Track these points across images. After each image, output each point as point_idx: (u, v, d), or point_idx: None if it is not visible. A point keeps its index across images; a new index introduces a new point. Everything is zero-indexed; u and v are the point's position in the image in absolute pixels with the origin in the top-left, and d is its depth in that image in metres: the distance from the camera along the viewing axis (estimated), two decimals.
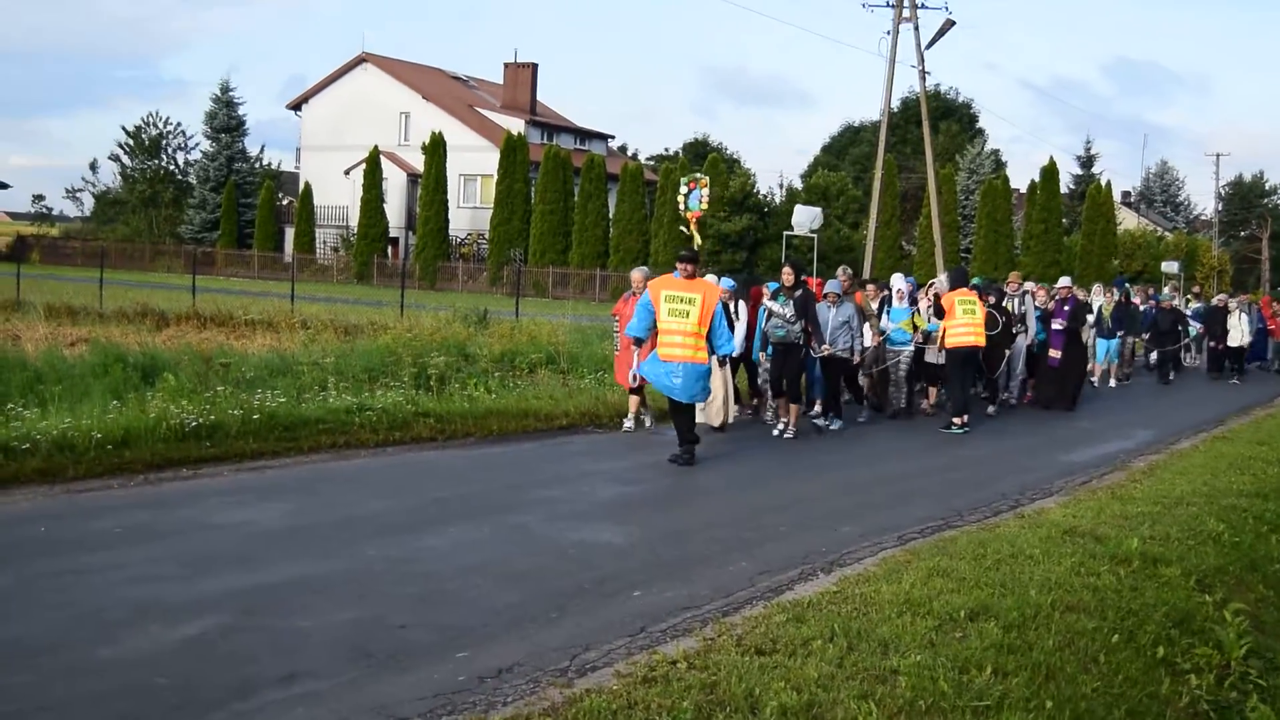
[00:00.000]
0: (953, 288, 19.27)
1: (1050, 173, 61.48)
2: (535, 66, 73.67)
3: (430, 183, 61.46)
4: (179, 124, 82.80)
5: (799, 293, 16.45)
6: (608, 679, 6.56)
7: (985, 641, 7.21)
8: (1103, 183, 66.74)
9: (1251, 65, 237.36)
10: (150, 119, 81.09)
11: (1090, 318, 25.13)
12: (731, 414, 17.04)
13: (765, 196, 60.43)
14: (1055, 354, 22.06)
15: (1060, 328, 22.07)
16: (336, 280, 63.47)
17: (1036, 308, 22.43)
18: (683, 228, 19.64)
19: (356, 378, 17.53)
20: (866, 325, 18.72)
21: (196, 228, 73.98)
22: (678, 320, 13.86)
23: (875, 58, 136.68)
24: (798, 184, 69.36)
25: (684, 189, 18.50)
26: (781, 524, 11.06)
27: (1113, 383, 27.22)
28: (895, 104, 72.18)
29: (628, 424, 16.48)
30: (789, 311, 16.30)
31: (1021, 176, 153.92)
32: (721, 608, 8.17)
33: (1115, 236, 63.42)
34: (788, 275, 16.58)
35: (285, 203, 74.16)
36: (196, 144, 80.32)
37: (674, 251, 54.44)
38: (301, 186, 69.38)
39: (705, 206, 18.09)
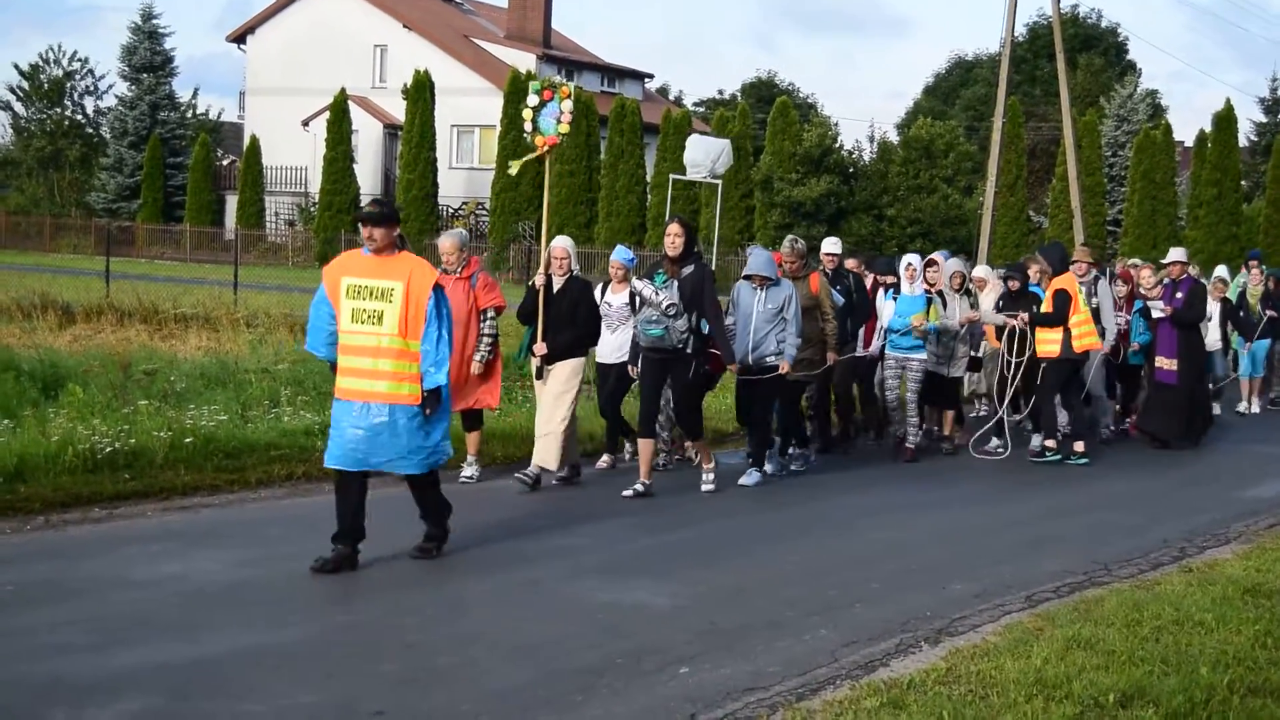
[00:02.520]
0: (1057, 272, 18.11)
1: (1226, 120, 61.02)
2: None
3: (414, 136, 61.50)
4: (87, 61, 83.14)
5: (690, 269, 14.30)
6: None
7: None
8: None
9: None
10: (51, 54, 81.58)
11: (1211, 309, 22.29)
12: (572, 454, 15.03)
13: (851, 153, 60.28)
14: (1167, 364, 19.48)
15: (1161, 319, 19.72)
16: (293, 263, 63.49)
17: (1136, 297, 20.00)
18: (511, 166, 17.35)
19: (319, 390, 17.56)
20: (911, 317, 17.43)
21: (111, 196, 74.29)
22: (364, 329, 10.79)
23: None
24: (893, 136, 69.30)
25: (533, 99, 15.61)
26: (872, 580, 11.06)
27: (1256, 406, 24.32)
28: (1020, 32, 71.94)
29: (466, 471, 14.87)
30: (667, 299, 14.08)
31: (1187, 125, 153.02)
32: (795, 689, 8.17)
33: None
34: (674, 238, 14.37)
35: (226, 163, 74.41)
36: (110, 87, 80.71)
37: (732, 226, 54.43)
38: (246, 142, 69.48)
39: (567, 128, 15.50)
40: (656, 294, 14.06)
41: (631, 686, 8.16)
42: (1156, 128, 62.83)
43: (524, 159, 16.88)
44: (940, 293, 17.81)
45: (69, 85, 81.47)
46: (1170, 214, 59.59)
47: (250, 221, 66.74)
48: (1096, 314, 18.83)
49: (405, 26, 69.85)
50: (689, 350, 14.22)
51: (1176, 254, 20.75)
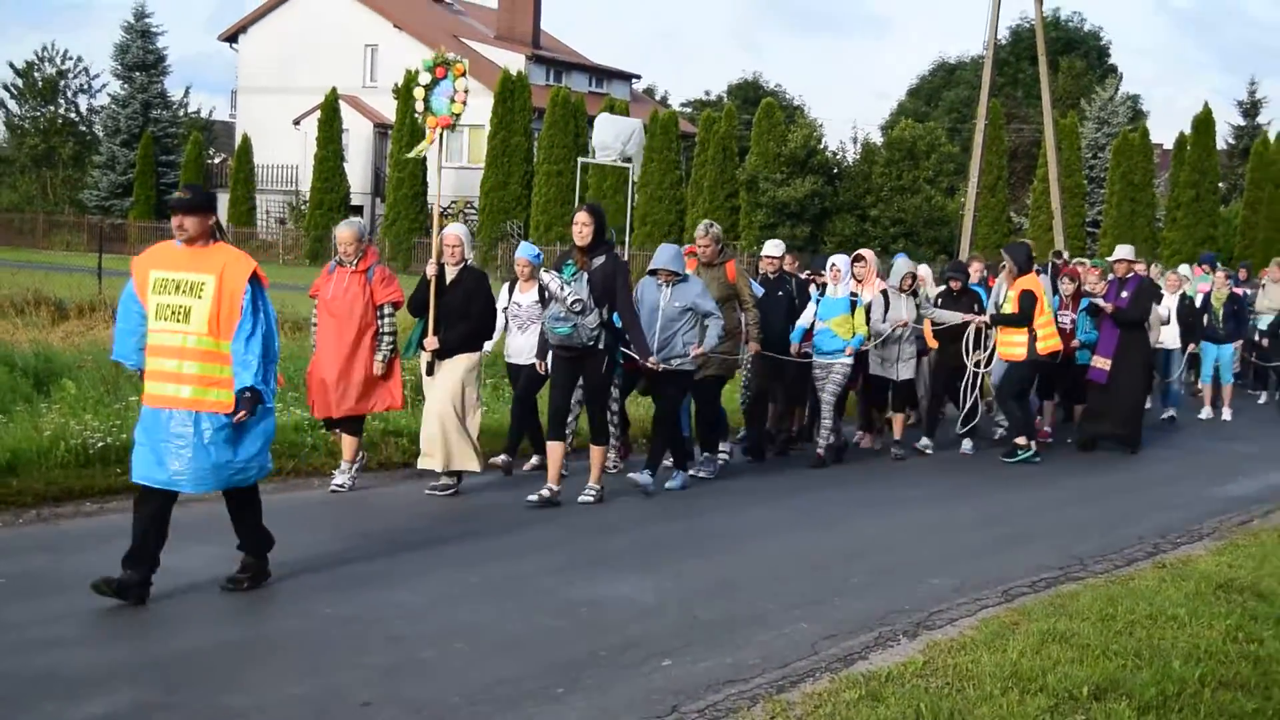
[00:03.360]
0: (1023, 272, 17.69)
1: (1204, 123, 61.08)
2: None
3: (403, 135, 61.32)
4: (80, 60, 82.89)
5: (601, 260, 13.46)
6: None
7: None
8: (1272, 136, 66.37)
9: None
10: (45, 53, 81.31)
11: (1163, 310, 21.51)
12: (471, 459, 13.76)
13: (835, 154, 60.33)
14: (1101, 363, 18.73)
15: (1105, 318, 18.88)
16: (284, 260, 63.42)
17: (1083, 295, 19.39)
18: (413, 151, 15.81)
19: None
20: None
21: (103, 193, 74.11)
22: (169, 327, 9.51)
23: None
24: (877, 137, 69.29)
25: (424, 77, 14.26)
26: (852, 575, 11.10)
27: (1227, 413, 23.22)
28: (1003, 35, 72.05)
29: (339, 479, 13.88)
30: (572, 294, 13.07)
31: (1166, 129, 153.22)
32: (775, 681, 8.19)
33: None
34: (582, 227, 13.48)
35: (217, 161, 74.35)
36: (104, 86, 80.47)
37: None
38: (238, 140, 69.44)
39: (461, 107, 14.32)
40: (562, 289, 13.01)
41: (614, 679, 8.18)
42: (1136, 131, 62.87)
43: (421, 146, 15.33)
44: (884, 293, 17.14)
45: (62, 83, 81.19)
46: (1149, 215, 59.65)
47: (242, 219, 66.67)
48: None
49: (395, 26, 69.76)
50: (601, 346, 13.27)
51: (1123, 251, 19.72)
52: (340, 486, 13.72)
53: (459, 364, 13.68)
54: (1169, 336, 21.78)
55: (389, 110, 63.73)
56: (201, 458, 9.36)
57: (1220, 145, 67.04)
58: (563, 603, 9.88)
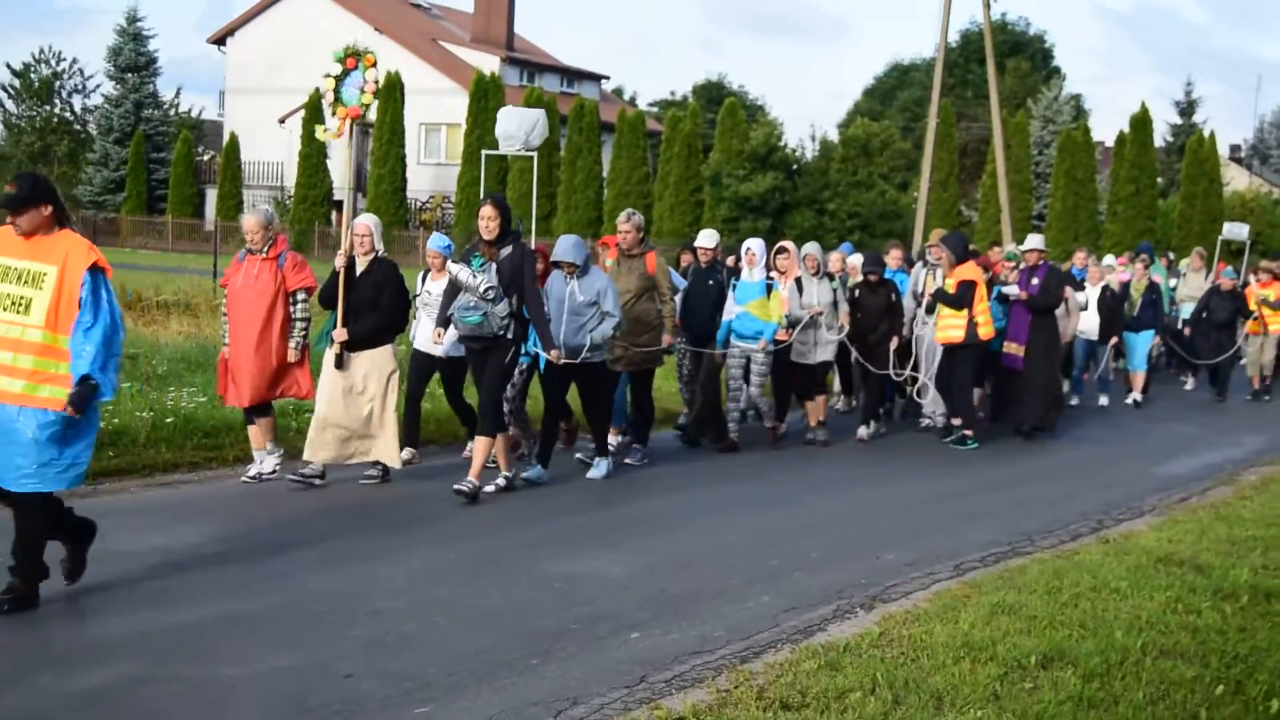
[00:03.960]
0: (960, 260, 17.23)
1: (1142, 122, 61.25)
2: None
3: (384, 134, 61.31)
4: (75, 61, 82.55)
5: (508, 251, 12.77)
6: None
7: (1061, 694, 7.23)
8: (1206, 134, 66.60)
9: None
10: (41, 55, 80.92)
11: (1081, 298, 20.99)
12: (394, 453, 13.16)
13: (794, 151, 60.31)
14: (1014, 349, 18.18)
15: (1016, 305, 18.27)
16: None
17: (995, 284, 18.37)
18: (322, 130, 15.13)
19: None
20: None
21: (97, 189, 73.84)
22: (8, 318, 8.60)
23: None
24: (834, 135, 69.27)
25: (334, 68, 13.66)
26: (812, 550, 11.09)
27: (1138, 397, 22.55)
28: (954, 38, 72.14)
29: (255, 468, 13.15)
30: (485, 281, 12.54)
31: (1108, 126, 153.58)
32: (739, 652, 8.19)
33: (1222, 200, 63.27)
34: (488, 220, 12.70)
35: (206, 158, 74.02)
36: (97, 86, 80.00)
37: (683, 219, 54.44)
38: (226, 138, 69.20)
39: (371, 98, 13.66)
40: (474, 278, 12.46)
41: (586, 650, 8.17)
42: (1079, 129, 63.05)
43: (328, 136, 14.78)
44: (799, 280, 16.45)
45: (58, 84, 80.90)
46: (1091, 209, 59.80)
47: (229, 213, 66.04)
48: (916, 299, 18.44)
49: (376, 30, 69.46)
50: (509, 336, 12.71)
51: (1033, 241, 19.39)
52: (253, 478, 12.93)
53: (372, 359, 13.01)
54: (1089, 325, 21.24)
55: (370, 109, 63.42)
56: (28, 456, 8.42)
57: (1158, 143, 67.36)
58: (535, 578, 9.87)
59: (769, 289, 15.85)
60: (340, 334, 12.85)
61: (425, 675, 7.59)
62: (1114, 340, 21.69)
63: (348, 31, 69.15)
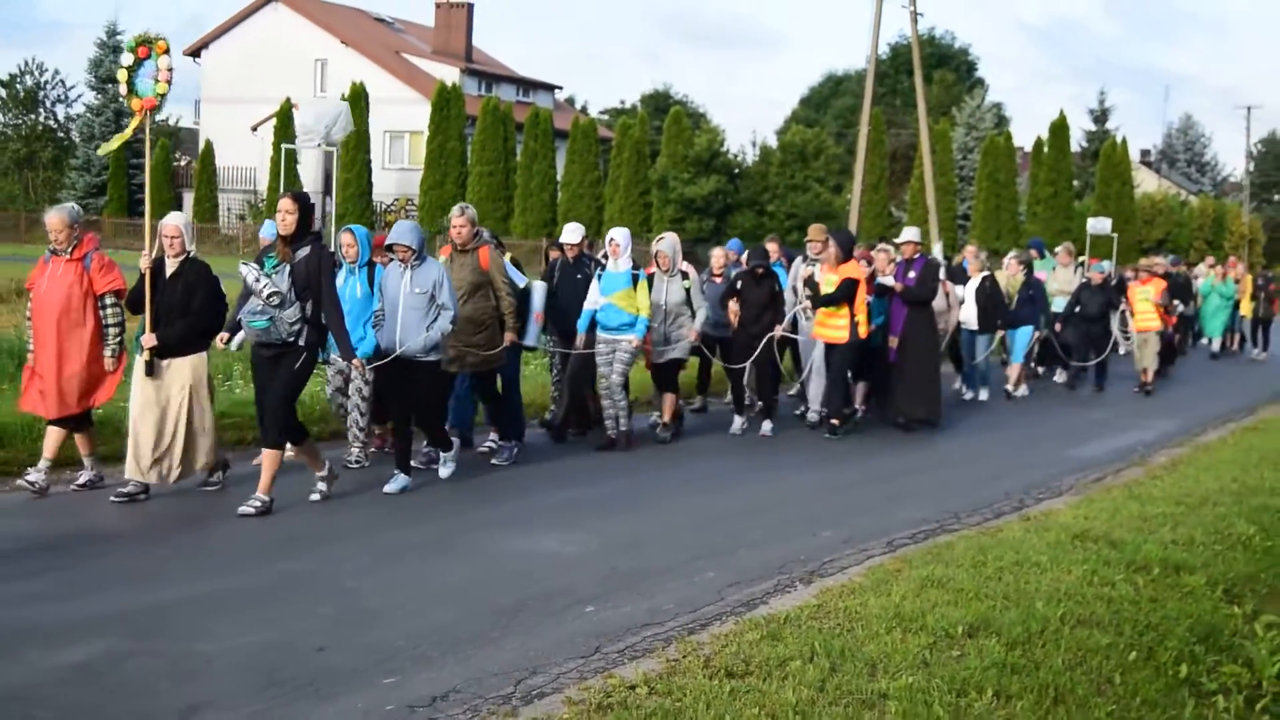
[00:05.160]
0: (847, 257, 16.42)
1: (1059, 129, 61.66)
2: (470, 7, 73.28)
3: (351, 141, 60.91)
4: (58, 72, 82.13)
5: (304, 252, 11.20)
6: (557, 707, 6.57)
7: (986, 661, 7.26)
8: (1118, 140, 67.07)
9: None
10: (25, 66, 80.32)
11: (961, 290, 20.47)
12: (209, 456, 11.76)
13: (736, 156, 60.42)
14: (893, 342, 17.44)
15: (893, 298, 17.47)
16: (243, 252, 62.80)
17: (876, 278, 17.57)
18: (106, 145, 13.26)
19: None
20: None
21: (80, 192, 73.12)
22: None
23: None
24: (772, 141, 69.33)
25: (127, 58, 12.26)
26: (754, 529, 11.09)
27: (1021, 390, 21.75)
28: (884, 50, 72.32)
29: (33, 475, 11.46)
30: (269, 287, 11.00)
31: (1027, 133, 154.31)
32: (687, 624, 8.19)
33: (1133, 201, 63.77)
34: (286, 215, 11.19)
35: (183, 164, 73.61)
36: (79, 96, 79.51)
37: (632, 219, 54.47)
38: (201, 145, 68.84)
39: (166, 86, 12.13)
40: (258, 281, 10.97)
41: (544, 624, 8.16)
42: (1001, 135, 63.43)
43: (119, 138, 13.37)
44: (650, 276, 15.38)
45: (42, 94, 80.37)
46: (1012, 210, 60.19)
47: (205, 216, 66.11)
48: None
49: (343, 43, 69.28)
50: (301, 342, 11.11)
51: (910, 233, 18.29)
52: (35, 484, 11.36)
53: (184, 367, 11.46)
54: (968, 317, 20.53)
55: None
56: None
57: (1074, 148, 67.90)
58: (495, 557, 9.86)
59: (635, 280, 14.84)
60: (149, 339, 11.33)
61: (392, 648, 7.56)
62: (999, 334, 21.15)
63: (315, 45, 69.33)
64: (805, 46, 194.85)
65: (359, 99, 60.58)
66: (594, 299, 14.96)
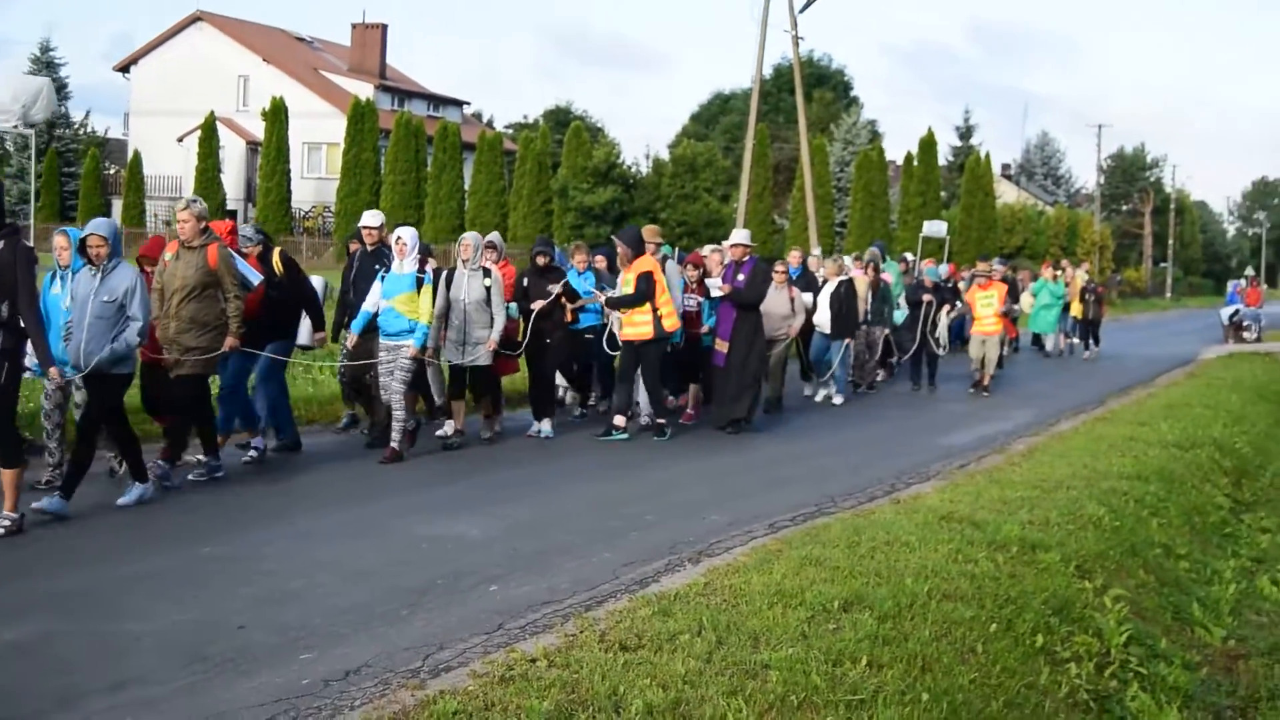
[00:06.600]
0: (637, 254, 15.37)
1: (928, 144, 62.32)
2: (385, 27, 72.90)
3: (271, 151, 60.52)
4: None
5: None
6: (463, 679, 6.54)
7: (859, 633, 7.30)
8: (982, 155, 67.85)
9: (1127, 26, 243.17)
10: None
11: (808, 297, 19.14)
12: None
13: (631, 167, 60.46)
14: (722, 347, 16.17)
15: (721, 301, 16.41)
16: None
17: (707, 280, 16.87)
18: None
19: None
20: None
21: (14, 199, 71.59)
22: None
23: (748, 20, 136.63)
24: (664, 154, 69.45)
25: None
26: (646, 513, 11.10)
27: (837, 398, 20.05)
28: (767, 71, 72.60)
29: None
30: None
31: (899, 148, 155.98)
32: (584, 602, 8.19)
33: (995, 211, 64.59)
34: None
35: (113, 172, 72.65)
36: None
37: (535, 226, 54.40)
38: (130, 155, 67.96)
39: None
40: None
41: (450, 602, 8.12)
42: (874, 150, 63.97)
43: None
44: (451, 271, 14.13)
45: None
46: (884, 219, 60.69)
47: (133, 222, 65.20)
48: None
49: (264, 60, 68.68)
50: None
51: (739, 236, 17.09)
52: None
53: None
54: (822, 322, 19.52)
55: (258, 130, 62.76)
56: None
57: (941, 162, 68.62)
58: (406, 540, 9.81)
59: (419, 283, 13.25)
60: None
61: (309, 626, 7.51)
62: (847, 340, 19.67)
63: (238, 62, 68.64)
64: (693, 67, 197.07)
65: (279, 113, 60.19)
66: (373, 300, 13.42)
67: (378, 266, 13.72)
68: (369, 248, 14.39)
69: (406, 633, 7.44)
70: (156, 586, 8.28)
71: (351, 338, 13.67)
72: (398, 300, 13.17)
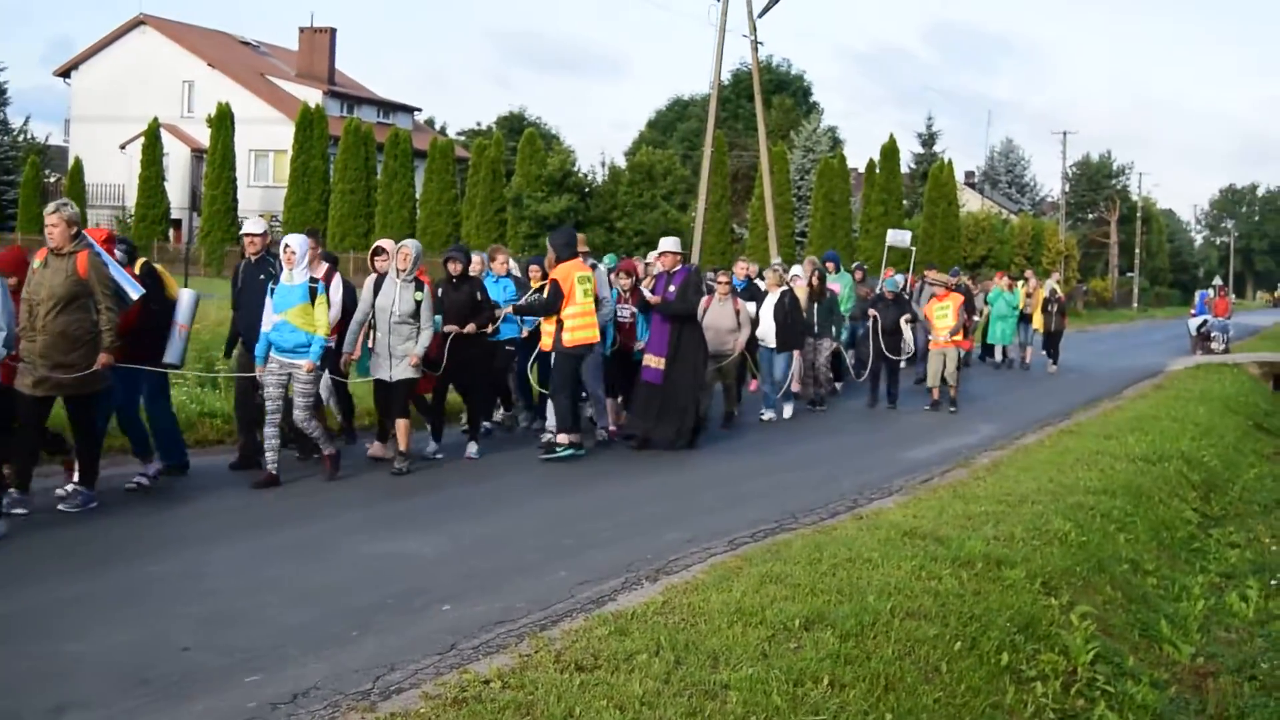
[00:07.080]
0: (564, 257, 14.92)
1: (890, 152, 62.67)
2: (333, 32, 72.72)
3: (217, 159, 60.31)
4: None
5: None
6: (414, 701, 6.52)
7: (821, 652, 7.32)
8: (945, 162, 68.21)
9: (1092, 31, 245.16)
10: None
11: (752, 307, 18.68)
12: None
13: (587, 175, 60.54)
14: (655, 363, 15.62)
15: (653, 314, 15.93)
16: None
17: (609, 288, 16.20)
18: None
19: None
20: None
21: None
22: None
23: (705, 25, 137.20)
24: (621, 162, 69.57)
25: None
26: (602, 530, 11.10)
27: (788, 412, 19.62)
28: (725, 77, 72.78)
29: None
30: None
31: (860, 155, 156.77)
32: (539, 621, 8.16)
33: (958, 219, 64.93)
34: None
35: (53, 180, 72.21)
36: None
37: (488, 236, 54.34)
38: (71, 162, 67.59)
39: None
40: None
41: (402, 622, 8.09)
42: (835, 157, 64.29)
43: None
44: (378, 280, 13.67)
45: None
46: (846, 227, 60.98)
47: None
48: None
49: (210, 65, 68.40)
50: None
51: (668, 243, 16.50)
52: None
53: None
54: (766, 334, 18.98)
55: (204, 137, 62.54)
56: None
57: (904, 169, 69.07)
58: (355, 558, 9.77)
59: (313, 294, 12.58)
60: None
61: (256, 647, 7.46)
62: (795, 351, 19.16)
63: (183, 67, 68.33)
64: (650, 72, 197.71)
65: (225, 119, 59.98)
66: (268, 319, 12.57)
67: (262, 277, 12.95)
68: (252, 258, 13.33)
69: (356, 654, 7.40)
70: (96, 607, 8.22)
71: (259, 369, 12.74)
72: (291, 313, 12.48)
